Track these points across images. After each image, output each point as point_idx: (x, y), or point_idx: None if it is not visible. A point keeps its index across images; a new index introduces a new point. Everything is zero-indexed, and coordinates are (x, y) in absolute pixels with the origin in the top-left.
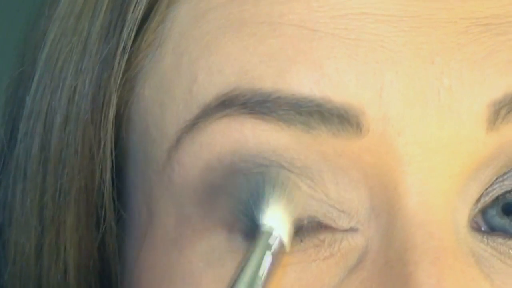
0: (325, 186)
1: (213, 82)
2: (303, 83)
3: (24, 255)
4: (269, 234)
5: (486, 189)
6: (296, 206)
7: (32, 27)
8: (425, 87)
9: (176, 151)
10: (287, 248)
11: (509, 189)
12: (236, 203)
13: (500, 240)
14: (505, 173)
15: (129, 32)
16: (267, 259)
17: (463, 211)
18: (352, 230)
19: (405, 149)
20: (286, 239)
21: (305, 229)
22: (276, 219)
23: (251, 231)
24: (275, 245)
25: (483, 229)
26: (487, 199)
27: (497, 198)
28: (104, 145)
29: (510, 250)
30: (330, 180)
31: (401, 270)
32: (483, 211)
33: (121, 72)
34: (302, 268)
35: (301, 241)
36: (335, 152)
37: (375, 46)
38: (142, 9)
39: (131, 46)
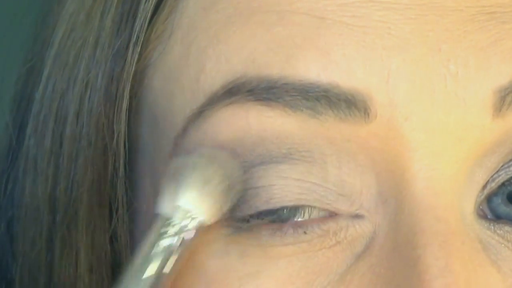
0: (325, 169)
1: (220, 71)
2: (310, 69)
3: (35, 248)
4: (165, 219)
5: (492, 175)
6: (217, 188)
7: (41, 24)
8: (432, 74)
9: (182, 139)
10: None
11: None
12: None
13: (507, 228)
14: (510, 160)
15: (141, 24)
16: (162, 243)
17: (470, 198)
18: (358, 217)
19: (412, 134)
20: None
21: (307, 221)
22: (188, 202)
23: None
24: (173, 229)
25: (489, 217)
26: (493, 185)
27: (503, 184)
28: (118, 136)
29: None
30: (332, 164)
31: (409, 254)
32: (489, 200)
33: (133, 65)
34: (308, 257)
35: (305, 233)
36: (342, 137)
37: (382, 33)
38: (153, 1)
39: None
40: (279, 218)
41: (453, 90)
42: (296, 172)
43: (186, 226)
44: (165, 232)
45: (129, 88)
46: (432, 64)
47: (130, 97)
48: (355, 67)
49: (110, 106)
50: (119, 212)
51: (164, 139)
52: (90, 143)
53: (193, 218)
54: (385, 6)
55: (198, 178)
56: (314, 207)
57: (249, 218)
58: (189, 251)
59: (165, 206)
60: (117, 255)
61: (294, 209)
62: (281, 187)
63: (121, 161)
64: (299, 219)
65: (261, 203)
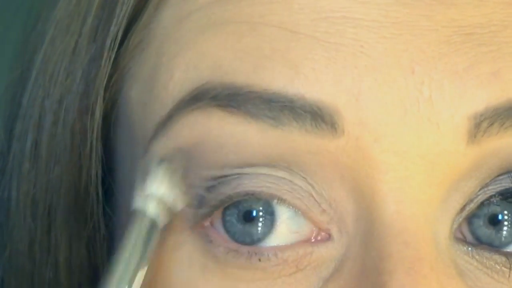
0: (291, 173)
1: (188, 78)
2: (276, 79)
3: (18, 252)
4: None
5: (470, 200)
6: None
7: (31, 29)
8: (404, 96)
9: (151, 145)
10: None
11: (494, 193)
12: None
13: (486, 254)
14: (487, 184)
15: (116, 32)
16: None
17: (445, 222)
18: (325, 240)
19: (381, 156)
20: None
21: (263, 249)
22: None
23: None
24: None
25: (468, 240)
26: (472, 205)
27: (482, 203)
28: (91, 143)
29: (496, 265)
30: (298, 172)
31: (376, 280)
32: (469, 222)
33: (107, 72)
34: (267, 285)
35: (259, 260)
36: (308, 149)
37: (355, 51)
38: (129, 10)
39: (119, 47)
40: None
41: (426, 115)
42: (264, 169)
43: (158, 213)
44: (143, 224)
45: (103, 96)
46: (405, 86)
47: (111, 106)
48: (324, 81)
49: (85, 112)
50: (94, 219)
51: (139, 148)
52: (66, 149)
53: (164, 205)
54: (359, 24)
55: (164, 169)
56: (285, 200)
57: (216, 206)
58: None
59: (138, 200)
60: (96, 262)
61: (263, 203)
62: (251, 176)
63: (93, 169)
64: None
65: (230, 189)
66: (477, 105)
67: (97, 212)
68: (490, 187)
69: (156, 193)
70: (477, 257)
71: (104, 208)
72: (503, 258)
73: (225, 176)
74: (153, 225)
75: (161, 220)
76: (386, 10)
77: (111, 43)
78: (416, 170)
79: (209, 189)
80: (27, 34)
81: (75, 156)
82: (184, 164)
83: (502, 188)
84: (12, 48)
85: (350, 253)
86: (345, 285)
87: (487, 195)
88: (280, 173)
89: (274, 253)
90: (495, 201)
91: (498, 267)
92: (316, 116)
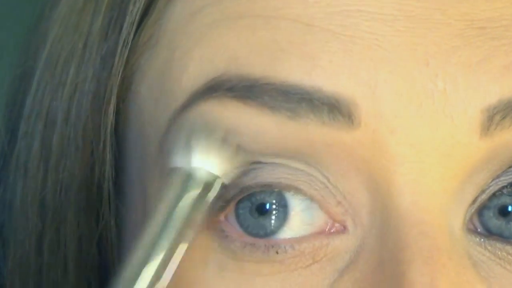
0: (307, 165)
1: (202, 71)
2: (293, 72)
3: (24, 252)
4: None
5: (482, 191)
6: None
7: (33, 27)
8: (419, 89)
9: (165, 138)
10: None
11: (505, 184)
12: None
13: (498, 245)
14: (499, 175)
15: (129, 30)
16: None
17: (458, 214)
18: (341, 232)
19: (397, 148)
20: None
21: (280, 241)
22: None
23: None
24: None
25: (479, 230)
26: (484, 196)
27: (494, 195)
28: (104, 141)
29: (508, 256)
30: (314, 164)
31: (394, 270)
32: (480, 213)
33: (120, 70)
34: (284, 278)
35: (276, 253)
36: (324, 141)
37: (370, 44)
38: (141, 6)
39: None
40: (258, 205)
41: (440, 107)
42: (281, 160)
43: (210, 183)
44: (191, 185)
45: (116, 94)
46: (420, 79)
47: (118, 103)
48: (340, 73)
49: (97, 111)
50: (106, 218)
51: (150, 144)
52: (78, 147)
53: (215, 177)
54: (373, 17)
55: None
56: (301, 190)
57: (230, 199)
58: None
59: (184, 162)
60: (105, 259)
61: (276, 195)
62: (268, 167)
63: (107, 167)
64: (272, 238)
65: (248, 179)
66: (490, 98)
67: (109, 210)
68: (501, 178)
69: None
70: (489, 247)
71: (115, 206)
72: None
73: (242, 167)
74: (206, 187)
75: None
76: (400, 3)
77: (123, 41)
78: (431, 162)
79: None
80: (28, 32)
81: (87, 155)
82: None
83: None
84: (12, 48)
85: (365, 245)
86: (362, 277)
87: (499, 186)
88: (297, 164)
89: (291, 245)
90: (506, 191)
91: (511, 258)
92: (333, 108)
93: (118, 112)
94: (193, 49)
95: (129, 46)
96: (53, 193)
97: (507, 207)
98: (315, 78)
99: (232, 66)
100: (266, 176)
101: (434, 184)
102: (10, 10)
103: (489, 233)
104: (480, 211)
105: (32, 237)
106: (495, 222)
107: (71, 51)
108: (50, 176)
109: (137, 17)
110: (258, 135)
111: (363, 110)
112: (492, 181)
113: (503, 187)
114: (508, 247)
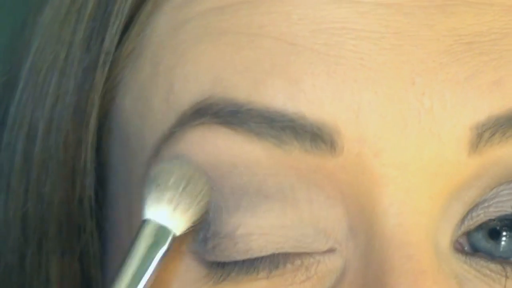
0: (297, 206)
1: (188, 90)
2: (277, 97)
3: (7, 266)
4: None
5: (471, 211)
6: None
7: (18, 35)
8: (405, 108)
9: (155, 161)
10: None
11: (493, 217)
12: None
13: (482, 262)
14: (489, 199)
15: (111, 41)
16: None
17: (446, 232)
18: (330, 251)
19: (381, 170)
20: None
21: (280, 256)
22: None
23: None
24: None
25: (466, 248)
26: (471, 223)
27: (480, 225)
28: (85, 155)
29: (492, 273)
30: (304, 198)
31: None
32: (469, 234)
33: (102, 82)
34: None
35: (277, 268)
36: (308, 168)
37: (355, 64)
38: (124, 18)
39: (112, 55)
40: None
41: (427, 126)
42: (272, 215)
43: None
44: (155, 240)
45: (98, 106)
46: (406, 98)
47: (102, 116)
48: (324, 98)
49: (79, 124)
50: (88, 233)
51: (137, 160)
52: (59, 161)
53: (169, 230)
54: (359, 35)
55: (177, 182)
56: (289, 253)
57: (224, 264)
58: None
59: (150, 213)
60: (88, 275)
61: (270, 259)
62: (259, 237)
63: (88, 181)
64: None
65: (239, 254)
66: (479, 115)
67: (91, 225)
68: (491, 209)
69: (167, 205)
70: (474, 265)
71: (97, 220)
72: (499, 267)
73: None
74: (163, 233)
75: (174, 230)
76: (387, 20)
77: (105, 53)
78: (417, 182)
79: (214, 248)
80: (12, 41)
81: (69, 168)
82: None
83: (503, 213)
84: None
85: (350, 266)
86: None
87: (487, 218)
88: (288, 219)
89: (291, 260)
90: (494, 225)
91: (494, 275)
92: (315, 137)
93: (101, 124)
94: (177, 66)
95: (111, 58)
96: (34, 207)
97: (496, 230)
98: (298, 104)
99: (217, 88)
100: (256, 250)
101: (421, 204)
102: None
103: (475, 251)
104: (469, 233)
105: (14, 251)
106: (485, 244)
107: (53, 61)
108: (32, 190)
109: (120, 29)
110: (252, 166)
111: (346, 136)
112: (480, 209)
113: (490, 220)
114: (492, 265)
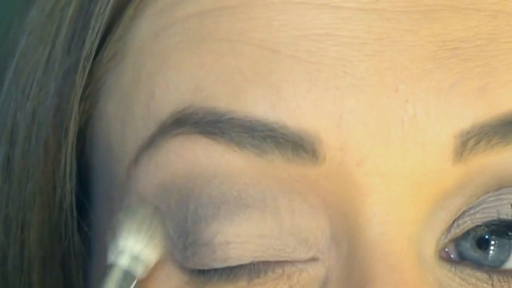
0: (278, 214)
1: (169, 99)
2: (258, 106)
3: None
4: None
5: (457, 219)
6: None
7: (4, 37)
8: (388, 116)
9: (134, 169)
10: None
11: (480, 223)
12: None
13: (468, 271)
14: (475, 206)
15: (91, 44)
16: None
17: (430, 241)
18: (312, 259)
19: (364, 179)
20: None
21: (261, 265)
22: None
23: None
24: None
25: (452, 256)
26: (458, 231)
27: (468, 232)
28: (65, 160)
29: (478, 282)
30: (285, 207)
31: None
32: (456, 243)
33: (82, 85)
34: None
35: (258, 277)
36: (290, 177)
37: (337, 71)
38: (105, 21)
39: (94, 58)
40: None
41: (410, 134)
42: (251, 224)
43: (135, 270)
44: (118, 278)
45: (79, 110)
46: (388, 106)
47: (85, 120)
48: (305, 107)
49: (59, 127)
50: (69, 238)
51: (118, 166)
52: (39, 165)
53: (140, 261)
54: (342, 41)
55: (136, 224)
56: (270, 262)
57: (204, 271)
58: None
59: (113, 256)
60: (70, 280)
61: (250, 267)
62: (238, 245)
63: (68, 186)
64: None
65: (218, 262)
66: (463, 122)
67: (72, 229)
68: (477, 216)
69: (130, 248)
70: (459, 274)
71: (79, 224)
72: (485, 275)
73: (212, 244)
74: (127, 277)
75: (138, 273)
76: (370, 26)
77: (86, 56)
78: (401, 191)
79: (193, 256)
80: None
81: (49, 172)
82: (161, 211)
83: (489, 219)
84: None
85: (333, 276)
86: None
87: (474, 224)
88: (268, 227)
89: (272, 268)
90: (481, 231)
91: (480, 284)
92: (297, 146)
93: (84, 129)
94: (158, 72)
95: (91, 61)
96: (16, 211)
97: (484, 239)
98: (279, 113)
99: (197, 97)
100: (235, 258)
101: (404, 213)
102: None
103: (462, 259)
104: (457, 242)
105: None
106: (473, 254)
107: (35, 63)
108: (13, 194)
109: (100, 31)
110: (232, 175)
111: (327, 145)
112: (467, 216)
113: (477, 226)
114: (478, 274)
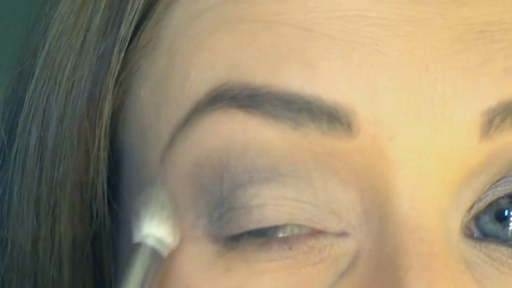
0: (312, 184)
1: (205, 78)
2: (294, 80)
3: (21, 250)
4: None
5: (479, 196)
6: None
7: (33, 27)
8: (419, 93)
9: (169, 151)
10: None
11: (502, 195)
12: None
13: (492, 246)
14: (498, 180)
15: (126, 30)
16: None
17: (456, 218)
18: (343, 234)
19: (396, 154)
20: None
21: (294, 237)
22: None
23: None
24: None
25: (475, 235)
26: (480, 205)
27: (490, 204)
28: (99, 141)
29: (502, 256)
30: (318, 179)
31: (392, 275)
32: (476, 218)
33: (117, 70)
34: (292, 274)
35: (290, 248)
36: (325, 151)
37: (370, 49)
38: (140, 8)
39: (129, 45)
40: (267, 235)
41: (439, 111)
42: (286, 190)
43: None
44: (145, 257)
45: (113, 94)
46: (419, 84)
47: (118, 105)
48: (340, 81)
49: (93, 110)
50: (100, 217)
51: (152, 150)
52: (73, 146)
53: (163, 243)
54: (374, 22)
55: (159, 206)
56: (304, 226)
57: (238, 236)
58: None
59: (139, 236)
60: (100, 260)
61: (284, 227)
62: (274, 207)
63: (101, 167)
64: (284, 235)
65: (253, 223)
66: (489, 100)
67: (103, 210)
68: (499, 188)
69: (154, 230)
70: (484, 250)
71: (110, 206)
72: (510, 250)
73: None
74: (155, 256)
75: (163, 252)
76: (400, 8)
77: (121, 41)
78: (430, 166)
79: (229, 221)
80: (28, 32)
81: (82, 154)
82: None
83: (511, 191)
84: (12, 46)
85: (364, 249)
86: (360, 281)
87: (496, 196)
88: (303, 195)
89: (303, 241)
90: (503, 203)
91: (504, 259)
92: (332, 118)
93: (117, 114)
94: (193, 55)
95: (125, 47)
96: (48, 192)
97: (503, 212)
98: (315, 86)
99: (234, 73)
100: (270, 219)
101: (433, 189)
102: (9, 9)
103: (485, 236)
104: (477, 216)
105: (28, 236)
106: (492, 227)
107: (69, 49)
108: (45, 175)
109: (135, 18)
110: (266, 148)
111: (362, 118)
112: (489, 190)
113: (500, 198)
114: (502, 248)
